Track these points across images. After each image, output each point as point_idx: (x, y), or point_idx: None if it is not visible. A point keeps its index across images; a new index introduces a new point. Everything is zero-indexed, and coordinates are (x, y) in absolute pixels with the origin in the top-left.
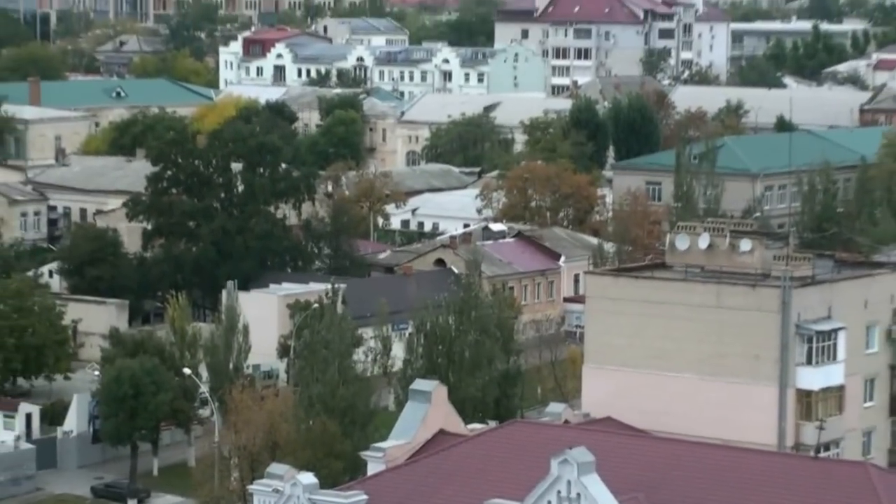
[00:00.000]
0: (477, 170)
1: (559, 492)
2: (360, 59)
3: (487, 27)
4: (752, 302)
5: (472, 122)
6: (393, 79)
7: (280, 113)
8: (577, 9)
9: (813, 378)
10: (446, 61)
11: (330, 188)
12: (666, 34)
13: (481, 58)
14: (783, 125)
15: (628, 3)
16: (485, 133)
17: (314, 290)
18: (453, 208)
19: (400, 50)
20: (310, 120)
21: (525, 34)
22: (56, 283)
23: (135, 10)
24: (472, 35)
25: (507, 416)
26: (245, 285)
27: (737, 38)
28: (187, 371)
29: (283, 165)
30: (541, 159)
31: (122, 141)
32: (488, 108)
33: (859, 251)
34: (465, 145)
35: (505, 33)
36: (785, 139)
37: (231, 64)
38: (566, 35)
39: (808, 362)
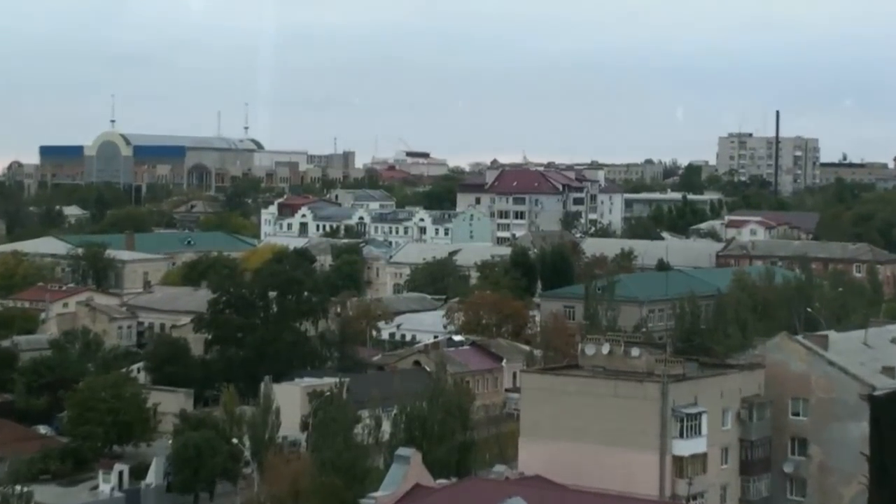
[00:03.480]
0: (443, 297)
1: None
2: (361, 218)
3: (452, 196)
4: (640, 392)
5: (440, 263)
6: (384, 232)
7: (304, 256)
8: (515, 183)
9: (684, 447)
10: (422, 220)
11: (339, 310)
12: (578, 201)
13: (447, 218)
14: (662, 266)
15: (551, 179)
16: (449, 271)
17: (327, 382)
18: (427, 324)
19: (389, 212)
20: (325, 261)
21: (478, 201)
22: (142, 377)
23: (201, 182)
24: (441, 201)
25: (464, 474)
26: (277, 379)
27: (628, 204)
28: (235, 441)
29: (306, 294)
30: (489, 290)
31: (191, 275)
32: (452, 254)
33: (716, 357)
34: (435, 279)
35: (464, 200)
36: (663, 276)
37: (269, 221)
38: (507, 202)
39: (681, 436)
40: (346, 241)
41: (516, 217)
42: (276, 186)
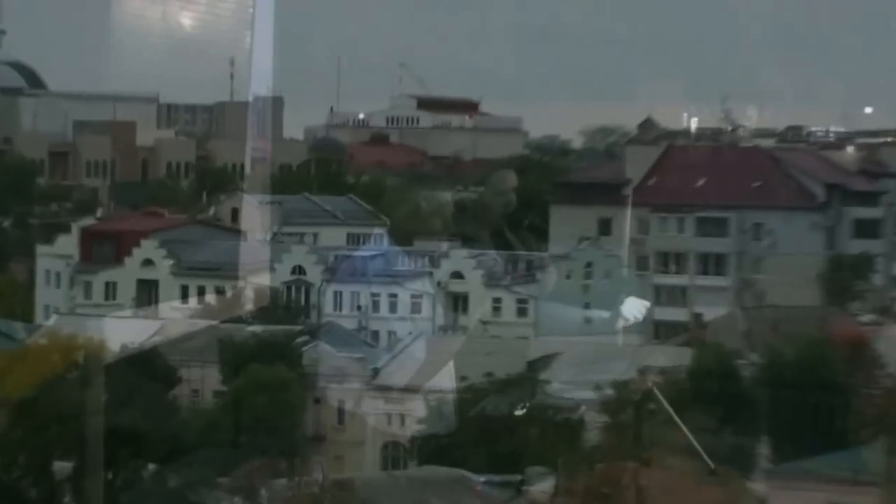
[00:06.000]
0: (517, 479)
1: None
2: (300, 269)
3: (539, 209)
4: None
5: (506, 387)
6: (358, 306)
7: (150, 368)
8: (702, 181)
9: None
10: (459, 277)
11: None
12: (867, 228)
13: (525, 269)
14: None
15: (797, 171)
16: (531, 406)
17: None
18: None
19: (373, 253)
20: (203, 382)
21: (606, 226)
22: None
23: None
24: (510, 224)
25: None
26: None
27: None
28: None
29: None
30: (630, 460)
31: None
32: (537, 364)
33: None
34: (493, 430)
35: (569, 221)
36: None
37: (57, 277)
38: (681, 226)
39: None
40: (259, 328)
41: (705, 266)
42: (75, 185)
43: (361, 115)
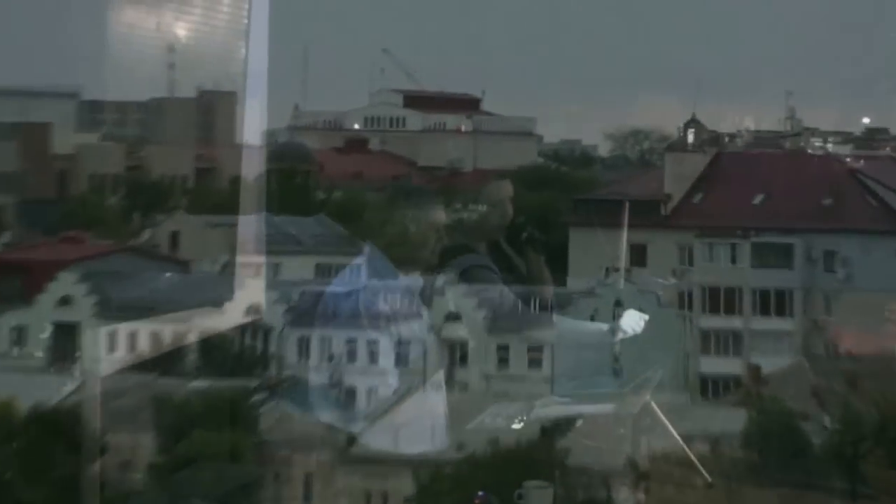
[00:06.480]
0: None
1: None
2: (256, 308)
3: (556, 233)
4: None
5: (520, 454)
6: (331, 357)
7: (68, 435)
8: (759, 198)
9: None
10: (455, 317)
11: None
12: None
13: (535, 307)
14: None
15: (879, 187)
16: (553, 481)
17: None
18: None
19: (346, 289)
20: (135, 452)
21: (640, 256)
22: None
23: None
24: (517, 247)
25: None
26: None
27: None
28: None
29: None
30: None
31: None
32: (553, 429)
33: None
34: None
35: (589, 247)
36: None
37: None
38: (733, 255)
39: None
40: (205, 384)
41: (763, 305)
42: None
43: (335, 115)
